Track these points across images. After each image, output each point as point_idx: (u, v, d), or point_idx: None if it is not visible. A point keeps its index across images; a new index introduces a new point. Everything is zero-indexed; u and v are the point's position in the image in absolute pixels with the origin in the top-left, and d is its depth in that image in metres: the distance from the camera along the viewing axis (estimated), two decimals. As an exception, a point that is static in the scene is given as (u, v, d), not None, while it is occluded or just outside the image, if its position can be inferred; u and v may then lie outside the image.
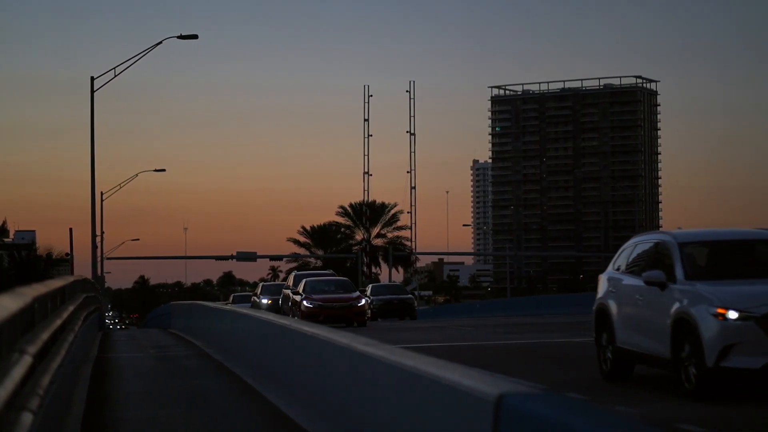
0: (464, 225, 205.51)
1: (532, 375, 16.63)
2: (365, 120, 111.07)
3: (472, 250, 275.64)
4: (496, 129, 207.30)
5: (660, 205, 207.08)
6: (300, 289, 38.06)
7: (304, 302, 36.92)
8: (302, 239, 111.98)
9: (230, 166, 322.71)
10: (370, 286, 54.16)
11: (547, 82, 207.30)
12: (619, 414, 4.66)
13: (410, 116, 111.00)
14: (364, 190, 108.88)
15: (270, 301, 48.38)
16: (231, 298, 66.42)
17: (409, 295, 52.96)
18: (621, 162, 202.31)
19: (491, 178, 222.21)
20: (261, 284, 55.02)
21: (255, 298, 51.49)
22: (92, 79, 47.09)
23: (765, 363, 13.12)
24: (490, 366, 17.84)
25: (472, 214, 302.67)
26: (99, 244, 63.75)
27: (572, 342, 25.26)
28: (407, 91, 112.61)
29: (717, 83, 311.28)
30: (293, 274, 44.20)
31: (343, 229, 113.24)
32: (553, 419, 4.73)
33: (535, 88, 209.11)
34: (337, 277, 42.21)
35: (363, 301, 37.88)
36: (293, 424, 11.92)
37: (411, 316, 50.19)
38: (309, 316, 35.44)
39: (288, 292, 41.01)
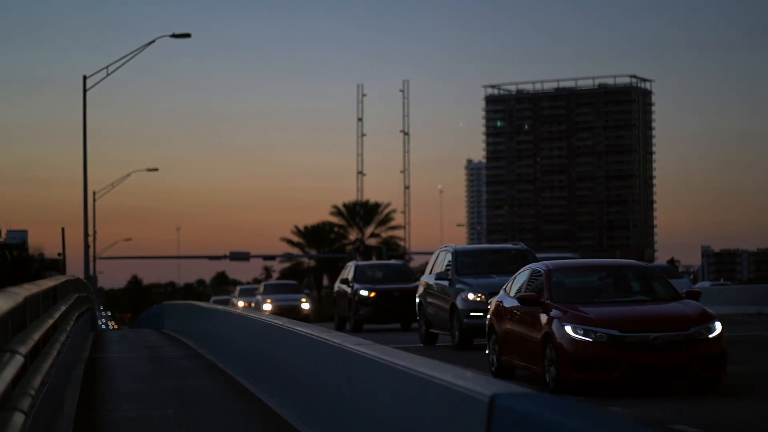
0: (458, 225, 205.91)
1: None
2: (359, 119, 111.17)
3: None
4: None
5: (654, 205, 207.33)
6: (542, 287, 15.73)
7: (568, 329, 14.62)
8: (295, 239, 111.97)
9: (223, 165, 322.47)
10: None
11: (542, 81, 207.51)
12: (612, 415, 4.65)
13: (404, 115, 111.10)
14: (357, 190, 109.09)
15: (374, 294, 31.40)
16: (262, 287, 50.81)
17: None
18: (615, 161, 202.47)
19: (485, 177, 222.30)
20: (352, 264, 34.31)
21: (342, 286, 33.09)
22: (85, 78, 47.04)
23: None
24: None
25: (466, 214, 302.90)
26: (91, 244, 63.73)
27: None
28: (401, 90, 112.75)
29: (712, 82, 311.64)
30: (444, 252, 24.50)
31: (336, 229, 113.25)
32: (546, 419, 4.71)
33: (529, 87, 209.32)
34: (620, 261, 17.07)
35: (718, 328, 14.73)
36: (286, 425, 11.90)
37: None
38: (598, 364, 14.41)
39: (441, 285, 23.65)
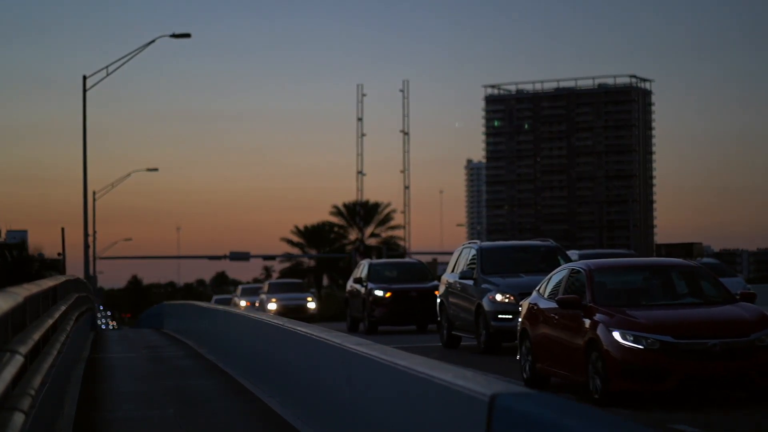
0: (458, 225, 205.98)
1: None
2: (359, 119, 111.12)
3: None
4: (494, 124, 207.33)
5: (654, 205, 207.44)
6: (583, 289, 14.71)
7: (616, 335, 13.51)
8: (295, 239, 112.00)
9: (223, 165, 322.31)
10: None
11: (542, 81, 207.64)
12: (611, 414, 4.63)
13: (404, 115, 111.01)
14: (357, 190, 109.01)
15: (389, 294, 29.35)
16: (267, 286, 48.83)
17: None
18: (615, 161, 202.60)
19: (485, 177, 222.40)
20: (366, 262, 31.98)
21: (356, 285, 31.09)
22: (84, 77, 47.04)
23: None
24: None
25: (465, 214, 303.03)
26: (91, 244, 63.73)
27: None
28: (401, 90, 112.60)
29: (712, 82, 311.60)
30: (467, 248, 23.56)
31: (336, 229, 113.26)
32: (546, 419, 4.71)
33: (529, 87, 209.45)
34: (665, 260, 16.68)
35: None
36: (286, 425, 11.90)
37: None
38: (650, 373, 13.33)
39: (466, 284, 22.53)
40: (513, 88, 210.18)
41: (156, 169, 79.63)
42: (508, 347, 20.35)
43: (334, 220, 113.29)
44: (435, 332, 26.47)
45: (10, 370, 6.34)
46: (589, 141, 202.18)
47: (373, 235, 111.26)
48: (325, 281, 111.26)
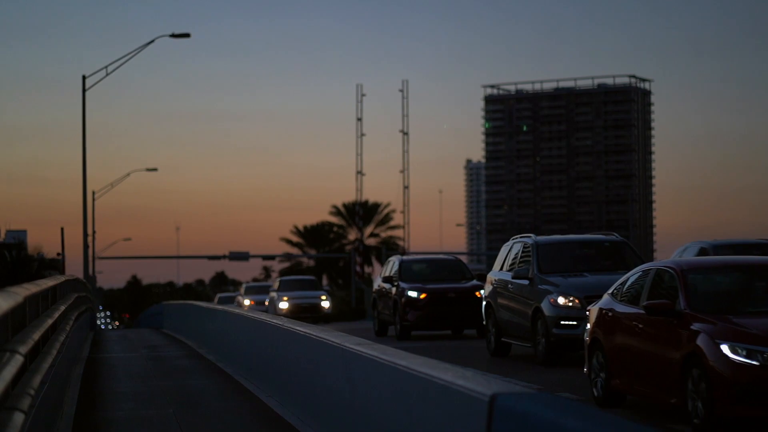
0: (457, 225, 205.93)
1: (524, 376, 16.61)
2: (358, 119, 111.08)
3: (466, 250, 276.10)
4: (485, 125, 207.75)
5: (654, 205, 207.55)
6: (674, 292, 12.50)
7: (725, 348, 11.35)
8: (295, 239, 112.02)
9: (223, 165, 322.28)
10: None
11: (541, 81, 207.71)
12: (611, 414, 4.63)
13: (403, 115, 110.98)
14: (357, 190, 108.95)
15: (425, 295, 26.22)
16: (277, 283, 45.78)
17: None
18: (615, 161, 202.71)
19: (484, 177, 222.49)
20: (396, 259, 28.65)
21: (385, 285, 27.98)
22: (84, 77, 47.05)
23: None
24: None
25: (465, 214, 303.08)
26: (91, 244, 63.73)
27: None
28: (400, 90, 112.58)
29: (712, 82, 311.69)
30: (518, 243, 20.90)
31: (335, 229, 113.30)
32: (546, 419, 4.71)
33: (528, 87, 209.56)
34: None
35: None
36: (286, 425, 11.90)
37: None
38: None
39: (519, 284, 19.83)
40: (512, 88, 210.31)
41: (155, 169, 79.58)
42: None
43: (334, 220, 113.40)
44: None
45: (10, 370, 6.34)
46: (588, 141, 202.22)
47: (372, 235, 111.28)
48: (325, 281, 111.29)
